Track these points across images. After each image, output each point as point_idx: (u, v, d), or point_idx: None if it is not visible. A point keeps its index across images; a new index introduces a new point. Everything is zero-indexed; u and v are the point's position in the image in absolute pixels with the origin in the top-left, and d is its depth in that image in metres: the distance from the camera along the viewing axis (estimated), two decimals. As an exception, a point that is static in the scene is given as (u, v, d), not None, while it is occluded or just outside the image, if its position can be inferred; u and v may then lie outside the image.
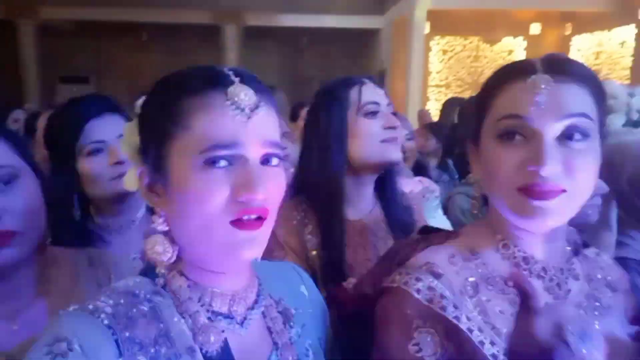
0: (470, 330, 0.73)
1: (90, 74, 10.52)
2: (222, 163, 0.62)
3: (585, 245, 0.91)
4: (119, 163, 1.17)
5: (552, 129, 0.70)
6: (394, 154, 1.26)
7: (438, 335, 0.73)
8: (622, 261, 1.32)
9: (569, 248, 0.84)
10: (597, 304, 0.82)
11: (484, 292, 0.77)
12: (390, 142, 1.24)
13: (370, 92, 1.26)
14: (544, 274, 0.78)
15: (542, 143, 0.70)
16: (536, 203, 0.70)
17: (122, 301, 0.64)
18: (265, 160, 0.65)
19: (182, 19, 9.69)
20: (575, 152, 0.70)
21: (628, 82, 8.07)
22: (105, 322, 0.60)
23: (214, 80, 0.64)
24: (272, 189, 0.64)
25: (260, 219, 0.64)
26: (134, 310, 0.63)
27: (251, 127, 0.63)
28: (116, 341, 0.60)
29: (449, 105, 3.71)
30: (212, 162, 0.62)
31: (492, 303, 0.76)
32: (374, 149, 1.23)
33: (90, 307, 0.62)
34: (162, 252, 0.66)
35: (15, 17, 9.05)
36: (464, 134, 2.34)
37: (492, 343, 0.73)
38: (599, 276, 0.87)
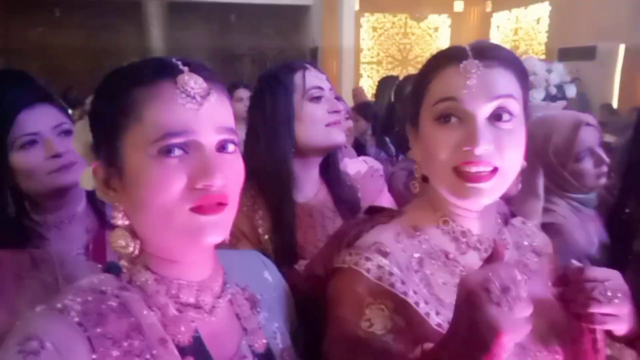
0: (417, 304, 0.78)
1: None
2: (177, 152, 0.63)
3: (513, 215, 1.00)
4: (56, 156, 1.09)
5: (483, 110, 0.76)
6: (339, 137, 1.30)
7: (388, 310, 0.77)
8: (549, 226, 1.44)
9: (499, 220, 0.92)
10: (526, 268, 0.89)
11: (428, 267, 0.82)
12: (334, 125, 1.29)
13: (313, 77, 1.30)
14: (480, 246, 0.85)
15: (475, 124, 0.75)
16: (471, 185, 0.76)
17: (90, 298, 0.63)
18: (221, 147, 0.66)
19: (99, -6, 9.08)
20: (504, 132, 0.76)
21: (543, 57, 8.60)
22: (76, 319, 0.60)
23: (163, 70, 0.65)
24: (230, 175, 0.65)
25: (220, 205, 0.64)
26: (103, 306, 0.63)
27: (203, 114, 0.64)
28: (88, 338, 0.60)
29: (384, 84, 3.79)
30: (166, 152, 0.62)
31: (436, 276, 0.82)
32: (319, 132, 1.27)
33: (59, 305, 0.61)
34: (124, 245, 0.67)
35: None
36: (401, 112, 2.40)
37: (437, 313, 0.78)
38: (526, 243, 0.95)
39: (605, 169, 1.51)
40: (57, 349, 0.57)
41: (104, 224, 1.21)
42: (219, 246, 0.71)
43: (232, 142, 0.68)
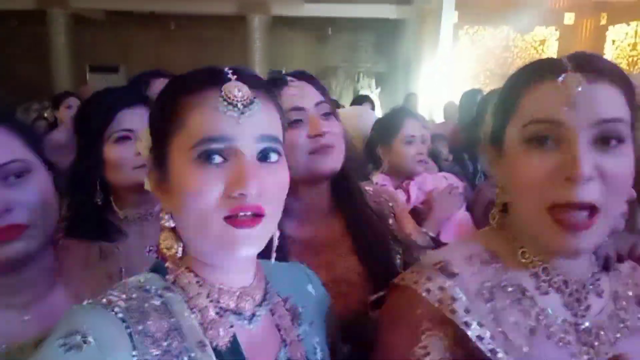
0: (480, 338, 0.68)
1: (119, 64, 10.68)
2: (216, 159, 0.63)
3: (620, 259, 0.85)
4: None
5: (587, 134, 0.65)
6: (327, 165, 1.07)
7: (448, 339, 0.70)
8: None
9: (595, 261, 0.79)
10: (622, 325, 0.76)
11: (500, 300, 0.72)
12: (319, 152, 1.06)
13: (291, 97, 1.07)
14: (565, 288, 0.74)
15: (577, 149, 0.65)
16: (568, 234, 0.66)
17: (134, 295, 0.64)
18: (263, 156, 0.66)
19: (209, 10, 9.73)
20: (610, 159, 0.66)
21: (666, 74, 7.77)
22: (119, 315, 0.61)
23: (210, 79, 0.66)
24: (269, 185, 0.64)
25: (256, 216, 0.64)
26: (146, 304, 0.64)
27: (244, 122, 0.64)
28: (130, 334, 0.60)
29: (466, 98, 3.63)
30: (205, 157, 0.63)
31: (507, 312, 0.72)
32: (300, 162, 1.05)
33: (104, 301, 0.63)
34: (170, 247, 0.68)
35: (46, 6, 9.23)
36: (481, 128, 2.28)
37: (506, 352, 0.68)
38: (630, 293, 0.80)
39: None
40: (100, 344, 0.58)
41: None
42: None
43: (275, 151, 0.67)
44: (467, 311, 0.69)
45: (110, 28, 10.41)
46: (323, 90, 1.13)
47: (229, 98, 0.64)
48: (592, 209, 0.65)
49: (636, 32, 8.95)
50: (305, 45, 11.05)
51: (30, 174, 0.87)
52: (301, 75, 1.13)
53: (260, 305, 0.72)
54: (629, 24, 9.09)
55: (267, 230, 0.67)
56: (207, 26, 10.30)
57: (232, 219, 0.63)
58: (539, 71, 0.71)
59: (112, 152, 1.19)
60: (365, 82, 10.20)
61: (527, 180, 0.68)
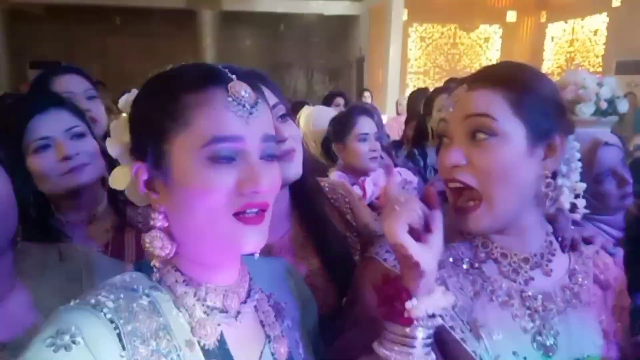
0: None
1: (62, 59, 10.22)
2: (226, 158, 0.63)
3: (588, 242, 0.98)
4: (67, 158, 1.15)
5: (459, 129, 0.81)
6: (291, 171, 1.05)
7: None
8: None
9: (547, 242, 0.88)
10: (574, 298, 0.86)
11: (448, 270, 0.84)
12: (282, 159, 1.00)
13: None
14: (503, 259, 0.85)
15: (452, 142, 0.82)
16: (461, 218, 0.81)
17: (122, 296, 0.64)
18: (265, 155, 0.67)
19: (156, 3, 9.48)
20: (479, 150, 0.79)
21: (600, 69, 8.25)
22: (108, 316, 0.61)
23: (213, 77, 0.66)
24: (272, 183, 0.66)
25: (261, 212, 0.66)
26: (134, 304, 0.64)
27: (251, 122, 0.65)
28: (118, 335, 0.60)
29: (414, 97, 3.81)
30: (215, 157, 0.63)
31: (454, 280, 0.84)
32: None
33: (92, 301, 0.62)
34: (161, 247, 0.67)
35: (-19, 1, 8.72)
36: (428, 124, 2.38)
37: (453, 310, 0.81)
38: (589, 272, 0.91)
39: (629, 189, 1.41)
40: (89, 344, 0.57)
41: (123, 224, 1.25)
42: None
43: (274, 150, 0.69)
44: None
45: (50, 23, 9.93)
46: (277, 91, 1.07)
47: (237, 98, 0.64)
48: (468, 187, 0.80)
49: (573, 29, 9.45)
50: (257, 41, 10.96)
51: None
52: (253, 75, 1.11)
53: (245, 302, 0.73)
54: (566, 22, 9.59)
55: (267, 225, 0.68)
56: (155, 21, 10.00)
57: (239, 216, 0.64)
58: (449, 83, 0.90)
59: (34, 163, 1.14)
60: (319, 78, 10.27)
61: (439, 167, 0.84)
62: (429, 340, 0.70)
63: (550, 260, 0.87)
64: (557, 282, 0.87)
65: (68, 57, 9.94)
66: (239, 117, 0.64)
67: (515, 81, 0.80)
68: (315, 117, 2.36)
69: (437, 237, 0.70)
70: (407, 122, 3.72)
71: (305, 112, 2.45)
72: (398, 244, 0.68)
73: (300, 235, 1.15)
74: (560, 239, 0.92)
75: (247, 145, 0.64)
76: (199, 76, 0.66)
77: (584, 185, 0.85)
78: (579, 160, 0.86)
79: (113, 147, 0.72)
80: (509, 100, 0.78)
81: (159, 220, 0.67)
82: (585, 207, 1.43)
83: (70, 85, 1.69)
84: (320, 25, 10.45)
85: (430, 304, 0.69)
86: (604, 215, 1.45)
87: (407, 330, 0.68)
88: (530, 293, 0.84)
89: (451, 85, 2.20)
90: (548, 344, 0.82)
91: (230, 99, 0.64)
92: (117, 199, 1.24)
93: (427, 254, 0.68)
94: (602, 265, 0.94)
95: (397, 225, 0.68)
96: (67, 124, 1.17)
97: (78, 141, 1.17)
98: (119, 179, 0.72)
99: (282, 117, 1.07)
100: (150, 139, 0.66)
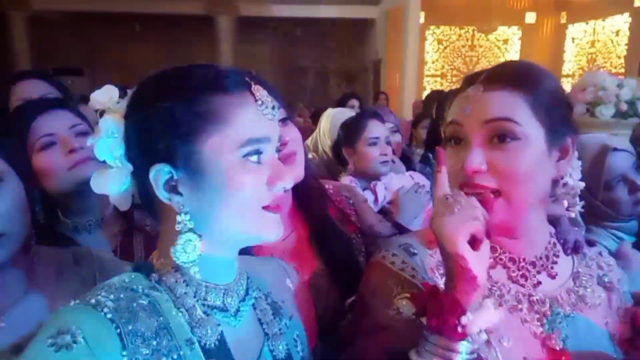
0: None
1: (84, 66, 10.45)
2: (258, 157, 0.68)
3: (591, 244, 0.97)
4: (73, 151, 1.15)
5: (479, 133, 0.77)
6: (292, 175, 1.04)
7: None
8: None
9: (555, 245, 0.87)
10: (580, 301, 0.85)
11: None
12: (283, 162, 1.05)
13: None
14: (512, 264, 0.84)
15: (470, 146, 0.77)
16: None
17: (122, 296, 0.64)
18: (278, 153, 0.74)
19: (175, 10, 9.62)
20: (502, 153, 0.76)
21: (622, 70, 8.08)
22: (109, 316, 0.61)
23: (236, 80, 0.69)
24: (292, 178, 0.73)
25: (279, 205, 0.71)
26: (134, 304, 0.64)
27: (274, 124, 0.71)
28: (119, 334, 0.60)
29: (429, 99, 3.74)
30: (250, 156, 0.67)
31: None
32: None
33: (92, 301, 0.62)
34: (192, 250, 0.67)
35: (6, 8, 8.95)
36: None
37: None
38: (593, 274, 0.90)
39: None
40: (90, 344, 0.58)
41: (131, 228, 1.25)
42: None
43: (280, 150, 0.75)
44: (424, 278, 0.81)
45: (72, 30, 10.16)
46: (275, 94, 1.12)
47: (265, 102, 0.69)
48: (493, 191, 0.76)
49: (594, 30, 9.28)
50: (273, 46, 11.04)
51: (3, 182, 0.86)
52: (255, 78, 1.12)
53: (243, 300, 0.74)
54: (587, 23, 9.43)
55: (284, 215, 0.75)
56: (174, 27, 10.16)
57: (267, 206, 0.69)
58: (465, 83, 0.84)
59: (40, 160, 1.15)
60: (335, 82, 10.28)
61: (450, 172, 0.77)
62: (472, 357, 0.66)
63: (555, 262, 0.86)
64: (562, 285, 0.85)
65: (90, 64, 10.19)
66: (269, 119, 0.69)
67: (532, 82, 0.78)
68: (335, 118, 2.37)
69: (487, 245, 0.69)
70: (415, 123, 3.69)
71: (326, 113, 2.46)
72: (457, 255, 0.65)
73: (303, 237, 1.15)
74: (562, 241, 0.90)
75: (272, 144, 0.70)
76: (227, 78, 0.68)
77: (582, 185, 0.84)
78: (579, 158, 0.85)
79: (102, 150, 0.69)
80: (528, 102, 0.77)
81: (187, 222, 0.66)
82: (596, 215, 1.41)
83: (31, 91, 1.68)
84: (337, 29, 10.48)
85: (484, 319, 0.66)
86: (616, 222, 1.41)
87: (452, 344, 0.66)
88: (538, 297, 0.82)
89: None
90: (557, 348, 0.80)
91: (259, 102, 0.68)
92: None
93: (482, 266, 0.66)
94: (605, 267, 0.92)
95: (460, 236, 0.65)
96: (70, 122, 1.19)
97: (82, 138, 1.18)
98: (111, 181, 0.70)
99: (283, 120, 1.09)
100: (178, 140, 0.65)
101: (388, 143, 1.96)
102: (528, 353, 0.78)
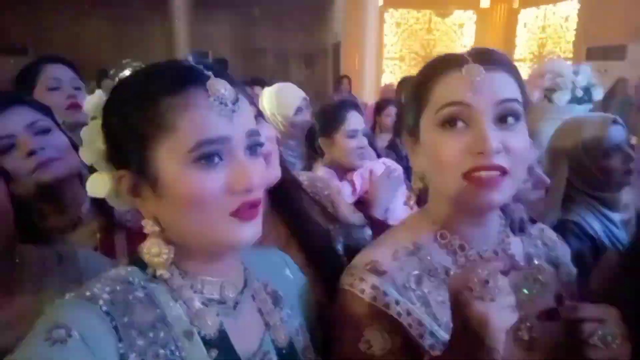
0: (410, 326, 0.78)
1: (29, 45, 9.84)
2: (214, 159, 0.63)
3: (533, 221, 0.97)
4: (32, 153, 1.09)
5: (490, 114, 0.75)
6: (271, 175, 1.06)
7: (385, 330, 0.78)
8: (563, 223, 1.47)
9: (505, 229, 0.88)
10: (536, 284, 0.87)
11: (426, 284, 0.81)
12: None
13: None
14: (481, 259, 0.83)
15: (483, 127, 0.73)
16: (482, 190, 0.74)
17: (118, 288, 0.64)
18: (251, 150, 0.67)
19: (128, -14, 9.19)
20: (511, 134, 0.75)
21: (571, 55, 8.41)
22: (104, 308, 0.61)
23: (190, 77, 0.64)
24: (261, 178, 0.67)
25: (255, 207, 0.66)
26: (130, 296, 0.64)
27: (236, 120, 0.64)
28: (115, 327, 0.60)
29: (401, 84, 3.78)
30: (203, 159, 0.62)
31: (434, 294, 0.81)
32: None
33: (88, 294, 0.62)
34: (158, 253, 0.67)
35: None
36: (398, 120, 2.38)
37: (431, 334, 0.78)
38: (540, 253, 0.92)
39: (632, 166, 1.53)
40: (84, 338, 0.57)
41: (111, 225, 1.20)
42: None
43: (260, 144, 0.69)
44: (397, 303, 0.78)
45: (15, 7, 9.53)
46: (239, 85, 1.10)
47: (219, 98, 0.63)
48: (502, 172, 0.74)
49: (545, 15, 9.58)
50: (231, 26, 10.76)
51: None
52: (220, 67, 1.08)
53: (242, 292, 0.74)
54: (538, 7, 9.71)
55: (261, 218, 0.69)
56: (126, 4, 9.71)
57: (235, 213, 0.64)
58: (445, 64, 0.79)
59: (3, 165, 1.06)
60: (296, 64, 10.18)
61: (445, 157, 0.76)
62: None
63: (509, 244, 0.87)
64: (519, 270, 0.85)
65: (36, 44, 9.61)
66: (223, 116, 0.63)
67: (515, 67, 0.80)
68: (281, 96, 2.35)
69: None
70: (378, 110, 3.71)
71: (267, 93, 2.41)
72: (493, 349, 0.61)
73: (282, 233, 1.15)
74: (509, 221, 0.91)
75: (233, 144, 0.64)
76: (176, 77, 0.64)
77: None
78: None
79: (87, 155, 0.70)
80: (518, 85, 0.79)
81: (150, 226, 0.67)
82: (589, 184, 1.53)
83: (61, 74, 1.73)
84: (296, 10, 10.33)
85: None
86: (606, 192, 1.56)
87: None
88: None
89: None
90: (526, 338, 0.82)
91: (211, 98, 0.63)
92: (102, 200, 1.20)
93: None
94: (550, 243, 0.95)
95: (504, 333, 0.61)
96: (28, 119, 1.11)
97: (43, 136, 1.12)
98: (98, 186, 0.70)
99: (255, 118, 1.07)
100: (132, 145, 0.65)
101: (365, 135, 1.97)
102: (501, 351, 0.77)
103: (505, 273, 0.65)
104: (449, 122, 0.76)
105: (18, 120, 1.10)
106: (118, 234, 1.21)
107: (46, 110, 1.18)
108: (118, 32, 9.52)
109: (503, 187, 0.74)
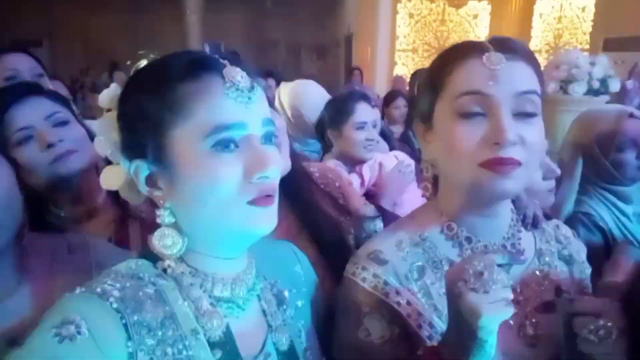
0: (409, 316, 0.77)
1: (43, 37, 9.94)
2: (231, 146, 0.63)
3: (548, 217, 0.96)
4: (51, 146, 1.09)
5: (510, 104, 0.73)
6: None
7: (384, 319, 0.77)
8: (574, 214, 1.48)
9: (516, 224, 0.86)
10: (546, 279, 0.86)
11: (429, 276, 0.81)
12: None
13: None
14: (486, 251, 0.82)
15: (501, 118, 0.72)
16: (500, 178, 0.73)
17: (128, 284, 0.64)
18: (268, 139, 0.67)
19: (140, -22, 9.22)
20: (529, 126, 0.73)
21: (588, 47, 8.26)
22: (114, 305, 0.60)
23: (208, 64, 0.65)
24: (278, 165, 0.66)
25: (270, 196, 0.65)
26: (140, 293, 0.63)
27: (251, 108, 0.64)
28: (125, 325, 0.60)
29: (414, 76, 3.74)
30: (220, 146, 0.62)
31: (437, 285, 0.80)
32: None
33: (99, 290, 0.61)
34: (172, 244, 0.66)
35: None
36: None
37: (430, 325, 0.77)
38: (553, 250, 0.90)
39: None
40: (94, 335, 0.57)
41: (126, 216, 1.20)
42: None
43: (274, 134, 0.68)
44: (397, 293, 0.78)
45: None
46: (254, 74, 1.10)
47: (235, 84, 0.63)
48: (517, 164, 0.73)
49: (562, 5, 9.40)
50: (243, 18, 10.76)
51: None
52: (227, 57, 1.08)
53: (249, 291, 0.73)
54: (554, -1, 9.54)
55: (277, 207, 0.68)
56: (139, -4, 9.76)
57: (252, 201, 0.64)
58: (465, 51, 0.76)
59: (19, 156, 1.08)
60: (307, 56, 10.15)
61: (460, 146, 0.74)
62: None
63: (519, 239, 0.85)
64: (528, 266, 0.85)
65: (50, 35, 9.70)
66: (239, 103, 0.63)
67: (535, 58, 0.78)
68: (307, 96, 2.30)
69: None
70: (387, 102, 3.66)
71: (292, 88, 2.36)
72: (486, 341, 0.62)
73: (293, 225, 1.14)
74: (522, 216, 0.90)
75: (250, 130, 0.64)
76: (193, 64, 0.64)
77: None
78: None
79: (102, 146, 0.70)
80: (537, 76, 0.77)
81: (165, 217, 0.67)
82: (601, 176, 1.51)
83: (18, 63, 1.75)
84: (308, 2, 10.27)
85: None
86: (618, 185, 1.54)
87: None
88: (510, 283, 0.80)
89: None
90: (531, 333, 0.81)
91: (228, 85, 0.63)
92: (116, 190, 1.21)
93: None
94: (564, 240, 0.93)
95: (497, 325, 0.61)
96: (48, 111, 1.12)
97: (62, 128, 1.12)
98: (112, 178, 0.70)
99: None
100: (148, 134, 0.65)
101: (374, 126, 1.93)
102: (505, 346, 0.76)
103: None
104: (467, 111, 0.74)
105: (37, 111, 1.10)
106: (132, 225, 1.21)
107: (64, 101, 1.18)
108: (131, 24, 9.57)
109: (517, 177, 0.73)
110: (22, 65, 1.80)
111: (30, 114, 1.09)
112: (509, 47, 0.75)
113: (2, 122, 1.07)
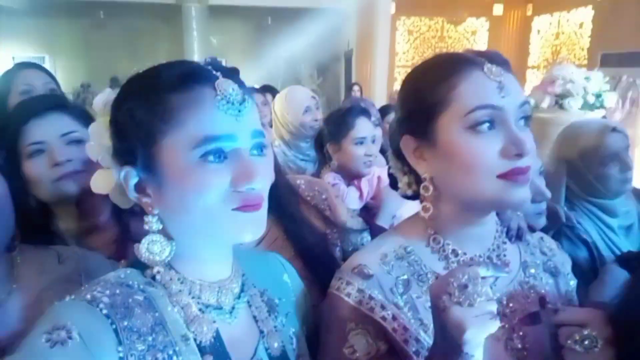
0: (395, 331, 0.76)
1: (45, 55, 10.03)
2: (220, 157, 0.64)
3: (532, 229, 0.96)
4: (59, 164, 1.12)
5: (515, 115, 0.74)
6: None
7: (370, 335, 0.76)
8: (559, 228, 1.47)
9: (501, 237, 0.86)
10: (531, 291, 0.85)
11: (415, 289, 0.80)
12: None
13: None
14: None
15: (514, 129, 0.73)
16: (519, 188, 0.74)
17: (117, 291, 0.65)
18: (257, 151, 0.68)
19: (141, -2, 9.33)
20: (528, 135, 0.75)
21: (586, 62, 8.32)
22: (104, 311, 0.61)
23: (200, 76, 0.66)
24: (265, 177, 0.67)
25: (257, 204, 0.67)
26: (130, 300, 0.64)
27: (241, 120, 0.66)
28: (115, 330, 0.61)
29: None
30: (209, 156, 0.63)
31: (423, 299, 0.79)
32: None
33: (88, 297, 0.63)
34: (160, 251, 0.67)
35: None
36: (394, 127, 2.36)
37: (417, 340, 0.76)
38: (538, 262, 0.90)
39: (630, 175, 1.50)
40: (85, 340, 0.58)
41: (127, 238, 1.20)
42: None
43: (265, 145, 0.70)
44: (382, 307, 0.77)
45: (34, 17, 9.73)
46: (246, 88, 1.11)
47: (226, 97, 0.65)
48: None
49: (559, 22, 9.50)
50: (244, 35, 10.87)
51: None
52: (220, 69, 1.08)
53: (238, 297, 0.74)
54: (552, 15, 9.63)
55: (265, 215, 0.69)
56: (140, 15, 9.86)
57: (239, 208, 0.65)
58: (463, 64, 0.76)
59: (27, 168, 1.12)
60: (307, 72, 10.22)
61: (479, 160, 0.73)
62: None
63: (505, 250, 0.85)
64: (514, 279, 0.85)
65: (53, 54, 9.80)
66: (229, 115, 0.65)
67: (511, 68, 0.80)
68: (290, 97, 2.36)
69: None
70: (382, 114, 3.65)
71: (278, 96, 2.44)
72: (471, 354, 0.62)
73: (279, 238, 1.14)
74: (506, 228, 0.89)
75: (239, 142, 0.65)
76: (185, 75, 0.65)
77: None
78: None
79: (93, 151, 0.71)
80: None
81: (153, 224, 0.68)
82: (586, 190, 1.50)
83: (32, 78, 1.79)
84: (308, 19, 10.38)
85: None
86: (602, 199, 1.53)
87: None
88: (497, 296, 0.79)
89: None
90: (518, 347, 0.80)
91: (219, 97, 0.64)
92: (122, 210, 1.20)
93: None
94: (548, 252, 0.93)
95: (482, 339, 0.61)
96: (64, 129, 1.14)
97: (74, 147, 1.14)
98: (102, 182, 0.71)
99: None
100: (138, 141, 0.66)
101: (373, 142, 1.94)
102: (493, 358, 0.75)
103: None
104: (480, 125, 0.73)
105: (54, 127, 1.13)
106: (130, 246, 1.20)
107: (86, 120, 1.19)
108: (131, 41, 9.65)
109: (528, 184, 0.75)
110: (37, 80, 1.84)
111: (47, 129, 1.13)
112: (497, 59, 0.77)
113: (19, 133, 1.11)
